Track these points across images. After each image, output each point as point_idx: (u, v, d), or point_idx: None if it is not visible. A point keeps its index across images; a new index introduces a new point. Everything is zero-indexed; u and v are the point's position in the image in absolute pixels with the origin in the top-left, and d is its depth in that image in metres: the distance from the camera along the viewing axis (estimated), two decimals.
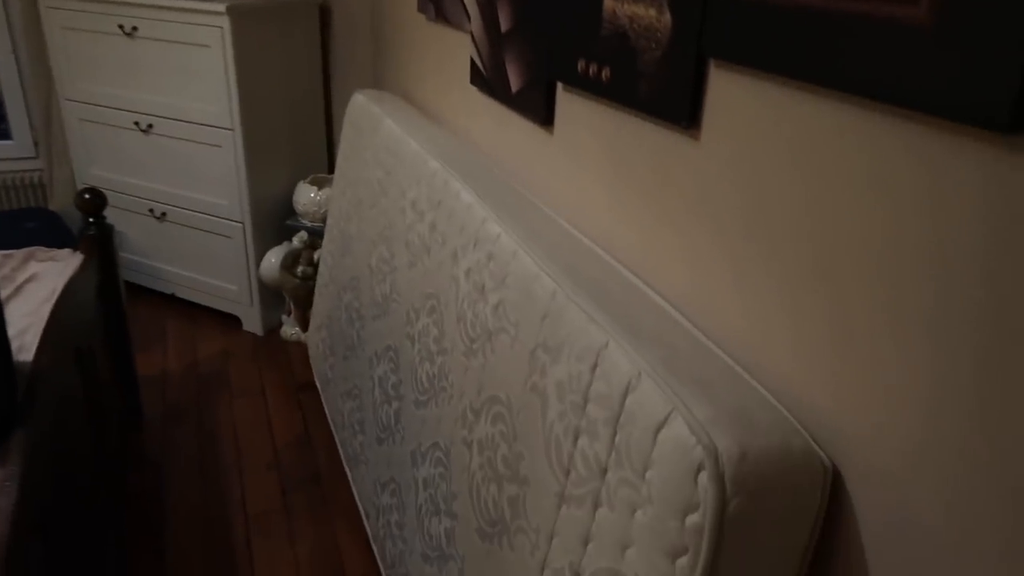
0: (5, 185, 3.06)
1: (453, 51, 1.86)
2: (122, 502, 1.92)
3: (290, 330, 2.68)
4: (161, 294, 2.89)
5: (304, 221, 2.58)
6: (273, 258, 2.48)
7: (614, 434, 0.89)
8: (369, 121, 2.07)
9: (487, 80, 1.62)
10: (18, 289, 1.70)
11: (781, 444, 0.77)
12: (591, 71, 1.19)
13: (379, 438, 1.71)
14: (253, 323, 2.72)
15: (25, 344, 1.47)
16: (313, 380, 2.39)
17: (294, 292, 2.56)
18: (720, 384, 0.86)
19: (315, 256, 2.54)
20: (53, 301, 1.61)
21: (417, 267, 1.59)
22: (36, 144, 3.10)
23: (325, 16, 2.72)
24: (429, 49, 2.06)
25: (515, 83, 1.49)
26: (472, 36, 1.67)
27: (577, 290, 1.05)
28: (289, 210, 2.67)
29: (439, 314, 1.45)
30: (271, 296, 2.70)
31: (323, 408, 2.29)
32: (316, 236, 2.55)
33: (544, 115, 1.39)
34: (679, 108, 0.99)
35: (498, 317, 1.21)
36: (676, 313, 1.06)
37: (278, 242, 2.62)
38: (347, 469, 1.92)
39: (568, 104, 1.32)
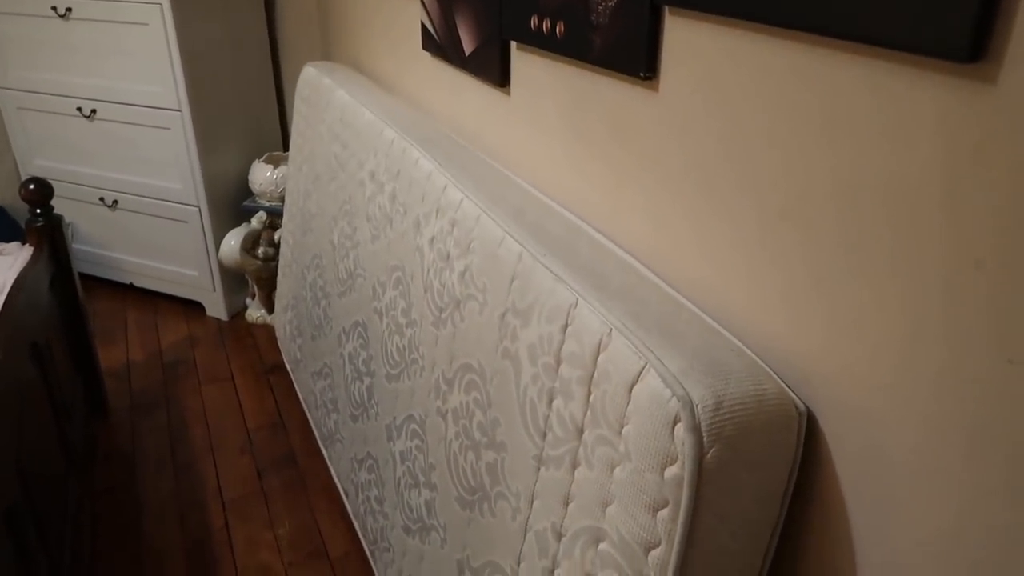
0: None
1: (402, 17, 1.82)
2: (91, 495, 1.88)
3: (255, 313, 2.63)
4: (119, 284, 2.82)
5: (262, 201, 2.53)
6: (232, 240, 2.42)
7: (588, 393, 0.88)
8: (321, 94, 2.02)
9: (439, 44, 1.59)
10: None
11: (755, 390, 0.77)
12: (544, 27, 1.17)
13: (353, 415, 1.69)
14: (217, 308, 2.66)
15: None
16: (282, 362, 2.36)
17: (256, 274, 2.51)
18: (690, 335, 0.85)
19: (276, 236, 2.49)
20: (3, 296, 1.55)
21: (380, 240, 1.56)
22: None
23: None
24: (378, 17, 2.00)
25: (468, 45, 1.45)
26: (422, 1, 1.63)
27: (543, 251, 1.03)
28: (245, 191, 2.61)
29: (405, 286, 1.43)
30: (234, 280, 2.65)
31: (294, 389, 2.26)
32: (275, 216, 2.50)
33: (499, 76, 1.36)
34: (636, 59, 0.98)
35: (465, 284, 1.19)
36: (643, 268, 1.05)
37: (237, 224, 2.57)
38: (322, 448, 1.91)
39: (523, 63, 1.29)
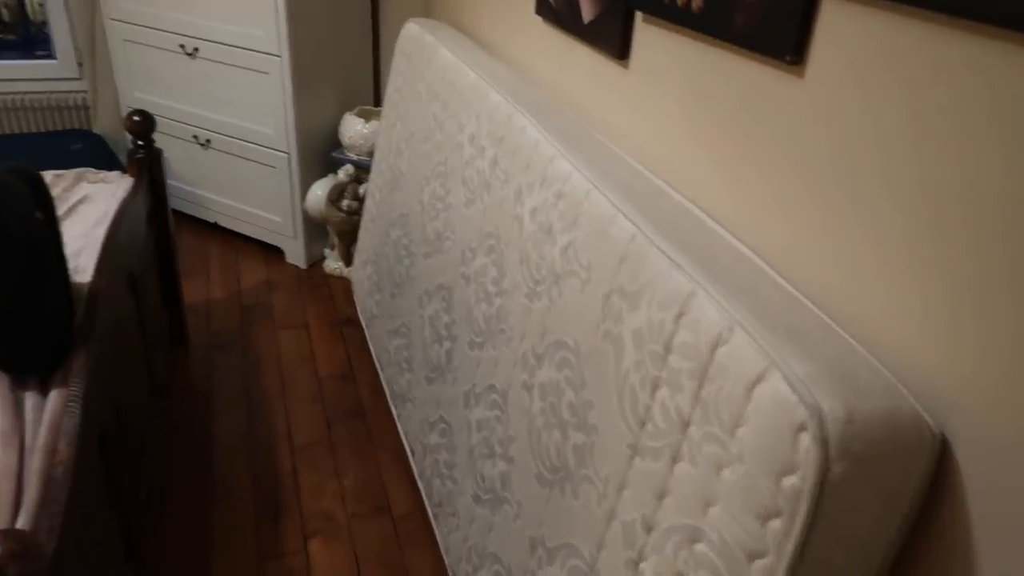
0: (50, 105, 3.04)
1: None
2: (168, 426, 1.93)
3: (333, 264, 2.66)
4: (204, 222, 2.87)
5: (350, 154, 2.53)
6: (319, 191, 2.44)
7: (699, 387, 0.84)
8: (423, 51, 2.00)
9: (555, 10, 1.54)
10: (71, 210, 1.68)
11: (888, 408, 0.72)
12: (678, 0, 1.11)
13: (428, 377, 1.69)
14: (296, 256, 2.70)
15: (80, 265, 1.46)
16: (356, 316, 2.38)
17: (339, 226, 2.52)
18: (818, 341, 0.81)
19: (361, 190, 2.50)
20: (106, 224, 1.59)
21: (475, 205, 1.54)
22: (80, 65, 3.06)
23: None
24: None
25: (587, 13, 1.41)
26: None
27: (659, 234, 0.99)
28: (335, 142, 2.62)
29: (499, 254, 1.41)
30: (315, 229, 2.68)
31: (367, 344, 2.28)
32: (362, 170, 2.50)
33: (619, 47, 1.31)
34: (783, 42, 0.92)
35: (567, 259, 1.16)
36: (763, 263, 1.00)
37: (323, 175, 2.58)
38: (392, 406, 1.92)
39: (647, 36, 1.24)
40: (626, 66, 1.32)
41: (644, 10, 1.22)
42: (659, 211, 1.07)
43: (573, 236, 1.15)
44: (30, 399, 1.11)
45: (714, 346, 0.83)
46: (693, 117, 1.14)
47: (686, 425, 0.86)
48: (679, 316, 0.89)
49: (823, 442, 0.70)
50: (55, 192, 1.75)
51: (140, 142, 1.97)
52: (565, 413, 1.11)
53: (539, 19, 1.64)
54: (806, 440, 0.71)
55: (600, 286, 1.06)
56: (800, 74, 0.92)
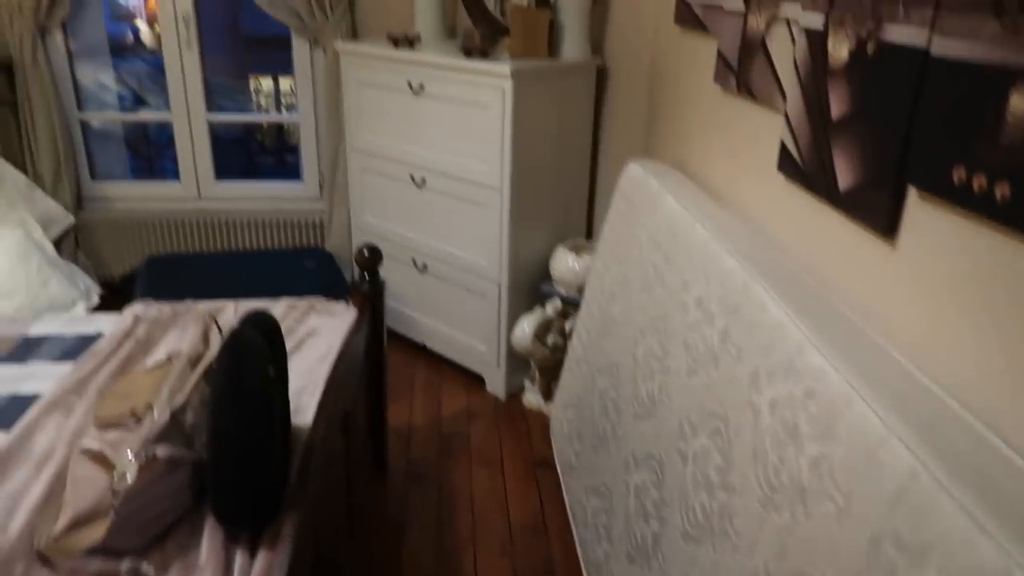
0: (292, 223, 3.35)
1: (755, 129, 1.67)
2: (361, 556, 1.91)
3: (533, 398, 2.60)
4: (413, 342, 2.96)
5: (559, 288, 2.50)
6: (526, 326, 2.42)
7: None
8: (645, 196, 1.93)
9: (803, 171, 1.41)
10: (299, 344, 1.76)
11: None
12: (975, 183, 0.94)
13: (630, 556, 1.53)
14: (496, 385, 2.68)
15: (301, 406, 1.49)
16: (552, 457, 2.28)
17: (542, 361, 2.48)
18: None
19: (567, 327, 2.44)
20: (328, 361, 1.63)
21: (699, 376, 1.40)
22: (321, 187, 3.36)
23: (601, 78, 2.65)
24: (722, 123, 1.88)
25: (844, 179, 1.26)
26: (787, 117, 1.47)
27: (952, 476, 0.80)
28: (544, 274, 2.61)
29: (725, 440, 1.25)
30: (517, 359, 2.65)
31: (561, 492, 2.17)
32: (570, 305, 2.46)
33: (886, 224, 1.15)
34: None
35: (819, 476, 0.98)
36: None
37: (530, 306, 2.57)
38: (585, 573, 1.77)
39: (925, 216, 1.07)
40: (893, 245, 1.15)
41: (923, 188, 1.06)
42: (946, 438, 0.87)
43: (827, 449, 0.98)
44: (239, 559, 1.10)
45: None
46: (987, 317, 0.95)
47: None
48: None
49: None
50: (287, 324, 1.85)
51: (367, 274, 2.06)
52: None
53: (781, 176, 1.51)
54: None
55: (866, 524, 0.88)
56: None
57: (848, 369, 1.01)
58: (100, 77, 3.73)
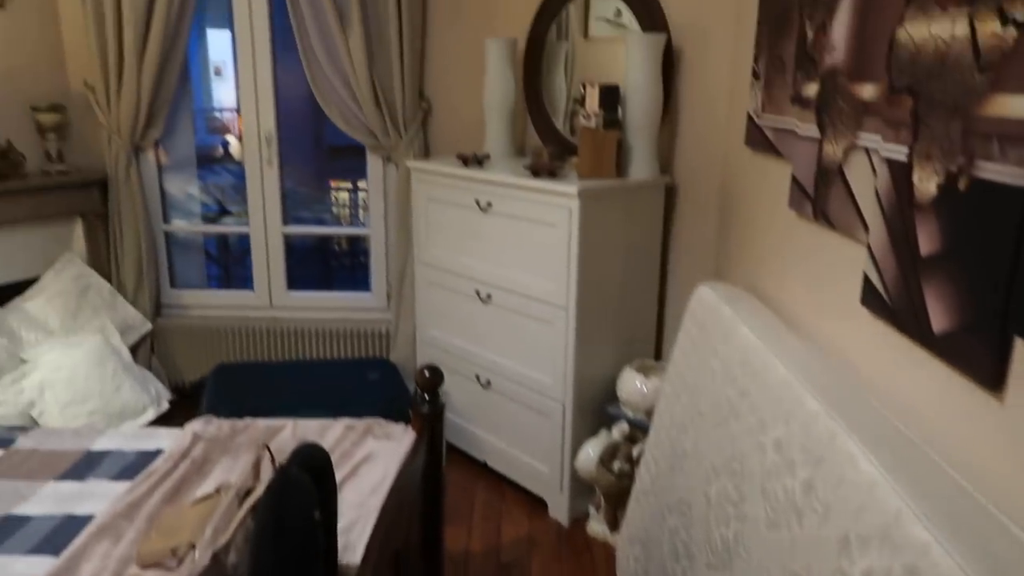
0: (359, 332, 3.37)
1: (835, 259, 1.59)
2: None
3: (597, 527, 2.46)
4: (474, 460, 2.87)
5: (626, 410, 2.40)
6: (591, 450, 2.31)
7: None
8: (718, 323, 1.85)
9: (890, 307, 1.31)
10: (353, 471, 1.70)
11: None
12: None
13: None
14: (559, 510, 2.55)
15: (350, 543, 1.42)
16: None
17: (607, 488, 2.35)
18: None
19: (634, 452, 2.32)
20: (383, 493, 1.57)
21: (780, 531, 1.27)
22: (389, 299, 3.39)
23: (670, 197, 2.62)
24: (798, 249, 1.80)
25: (938, 321, 1.16)
26: (870, 249, 1.38)
27: None
28: (610, 395, 2.51)
29: None
30: (580, 484, 2.52)
31: None
32: (637, 428, 2.34)
33: (990, 375, 1.03)
34: None
35: None
36: None
37: (596, 427, 2.46)
38: None
39: None
40: (1000, 398, 1.03)
41: None
42: None
43: None
44: None
45: None
46: None
47: None
48: None
49: None
50: (343, 447, 1.81)
51: (427, 395, 2.01)
52: None
53: (865, 311, 1.41)
54: None
55: None
56: None
57: (957, 545, 0.89)
58: (187, 188, 3.93)
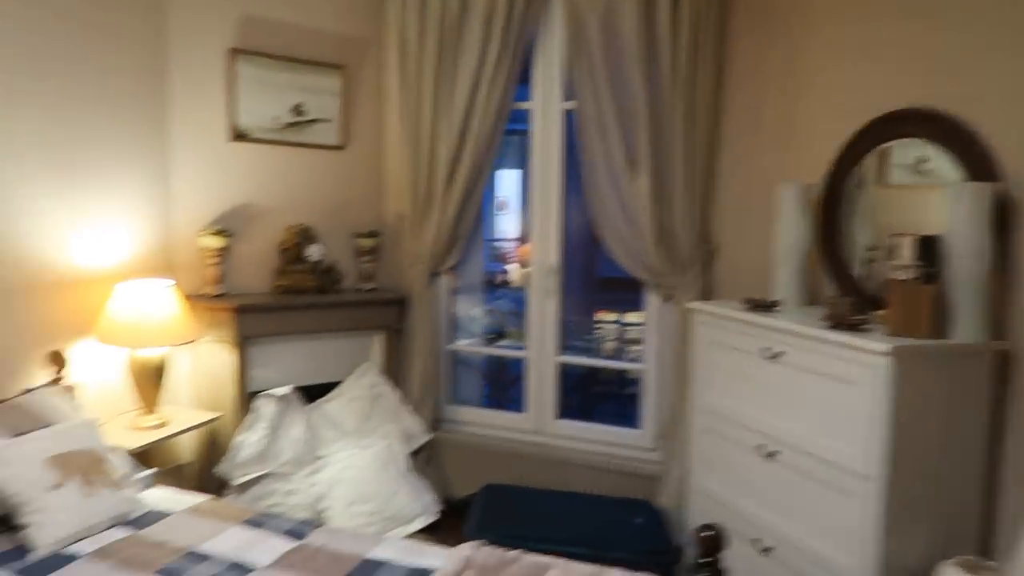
0: (624, 470, 3.26)
1: None
2: None
3: None
4: None
5: None
6: None
7: None
8: None
9: None
10: None
11: None
12: None
13: None
14: None
15: None
16: None
17: None
18: None
19: None
20: None
21: None
22: (658, 440, 3.26)
23: (1005, 365, 2.25)
24: None
25: None
26: None
27: None
28: None
29: None
30: None
31: None
32: None
33: None
34: None
35: None
36: None
37: None
38: None
39: None
40: None
41: None
42: None
43: None
44: None
45: None
46: None
47: None
48: None
49: None
50: None
51: (704, 559, 1.84)
52: None
53: None
54: None
55: None
56: None
57: None
58: (472, 310, 4.22)
